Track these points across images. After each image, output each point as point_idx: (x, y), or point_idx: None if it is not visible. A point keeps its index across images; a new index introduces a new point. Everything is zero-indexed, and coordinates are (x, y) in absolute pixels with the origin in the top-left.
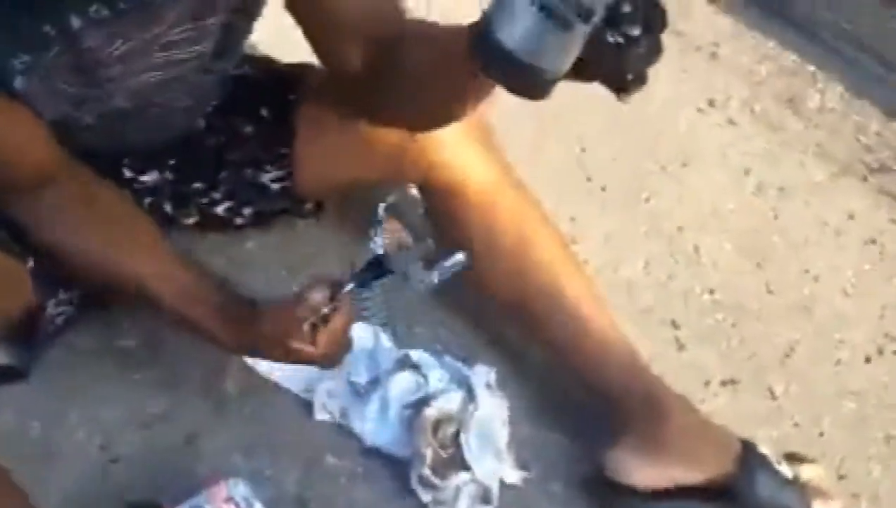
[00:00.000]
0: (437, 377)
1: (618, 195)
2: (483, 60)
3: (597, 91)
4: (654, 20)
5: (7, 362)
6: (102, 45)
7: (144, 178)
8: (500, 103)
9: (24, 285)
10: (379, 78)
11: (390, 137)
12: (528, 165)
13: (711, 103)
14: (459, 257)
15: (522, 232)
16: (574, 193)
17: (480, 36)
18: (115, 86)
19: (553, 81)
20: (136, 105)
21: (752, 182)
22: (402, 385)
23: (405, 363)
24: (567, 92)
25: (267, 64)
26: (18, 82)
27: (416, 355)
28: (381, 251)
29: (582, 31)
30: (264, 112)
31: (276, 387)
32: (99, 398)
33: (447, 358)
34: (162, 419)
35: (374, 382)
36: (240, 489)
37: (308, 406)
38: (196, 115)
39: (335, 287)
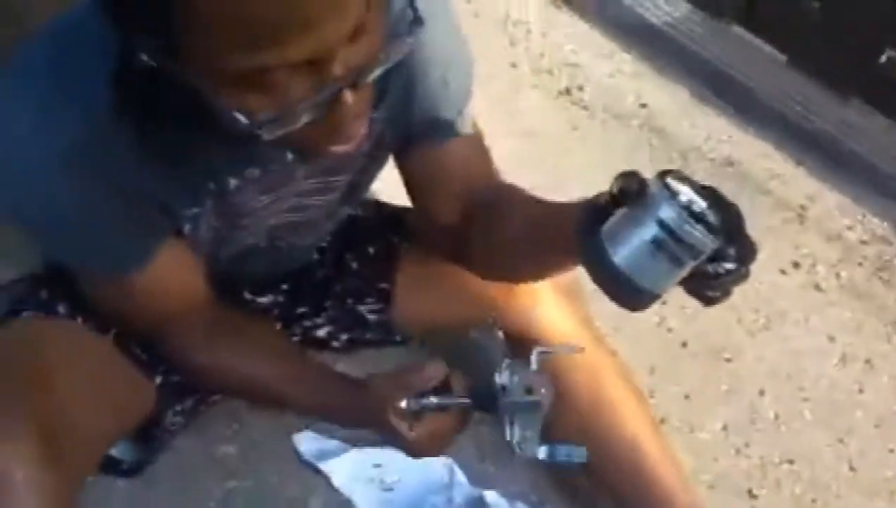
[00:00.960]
0: None
1: (698, 351)
2: (589, 266)
3: None
4: (748, 254)
5: (125, 458)
6: (248, 199)
7: (261, 299)
8: None
9: (149, 397)
10: (473, 236)
11: (488, 289)
12: (609, 315)
13: (796, 266)
14: (581, 451)
15: (599, 389)
16: (654, 345)
17: (592, 241)
18: (253, 229)
19: (653, 299)
20: (268, 246)
21: (837, 351)
22: None
23: (480, 504)
24: None
25: (375, 206)
26: (186, 229)
27: (491, 496)
28: (503, 387)
29: (689, 267)
30: (370, 250)
31: None
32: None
33: (520, 504)
34: None
35: None
36: None
37: None
38: (313, 249)
39: (448, 383)
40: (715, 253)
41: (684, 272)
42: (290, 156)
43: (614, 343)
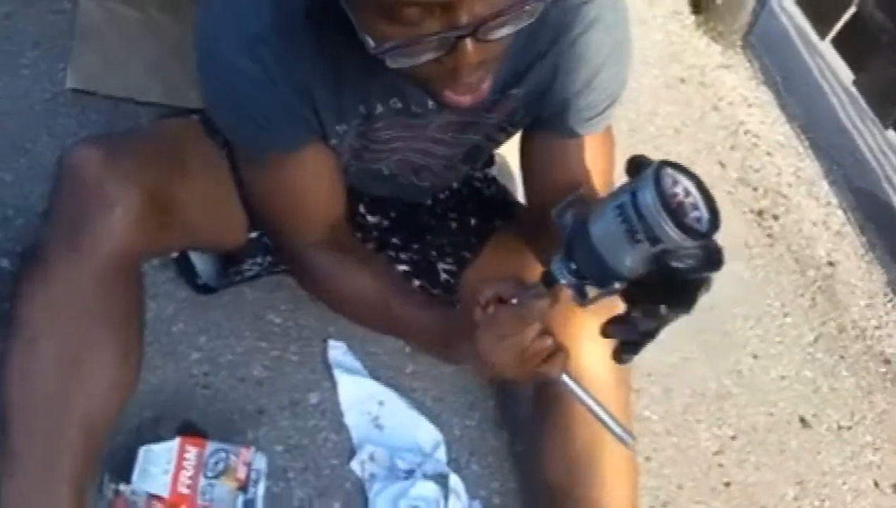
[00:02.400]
0: None
1: None
2: (569, 234)
3: None
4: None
5: (202, 275)
6: (387, 130)
7: (370, 218)
8: None
9: (242, 235)
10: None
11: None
12: None
13: None
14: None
15: (598, 455)
16: None
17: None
18: (382, 158)
19: (614, 277)
20: (391, 174)
21: None
22: (419, 496)
23: (441, 482)
24: None
25: (501, 191)
26: (332, 144)
27: (454, 480)
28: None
29: (646, 250)
30: (472, 220)
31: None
32: (230, 335)
33: (477, 504)
34: (258, 382)
35: (410, 474)
36: (260, 462)
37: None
38: (429, 194)
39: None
40: (681, 253)
41: (640, 253)
42: (430, 103)
43: None
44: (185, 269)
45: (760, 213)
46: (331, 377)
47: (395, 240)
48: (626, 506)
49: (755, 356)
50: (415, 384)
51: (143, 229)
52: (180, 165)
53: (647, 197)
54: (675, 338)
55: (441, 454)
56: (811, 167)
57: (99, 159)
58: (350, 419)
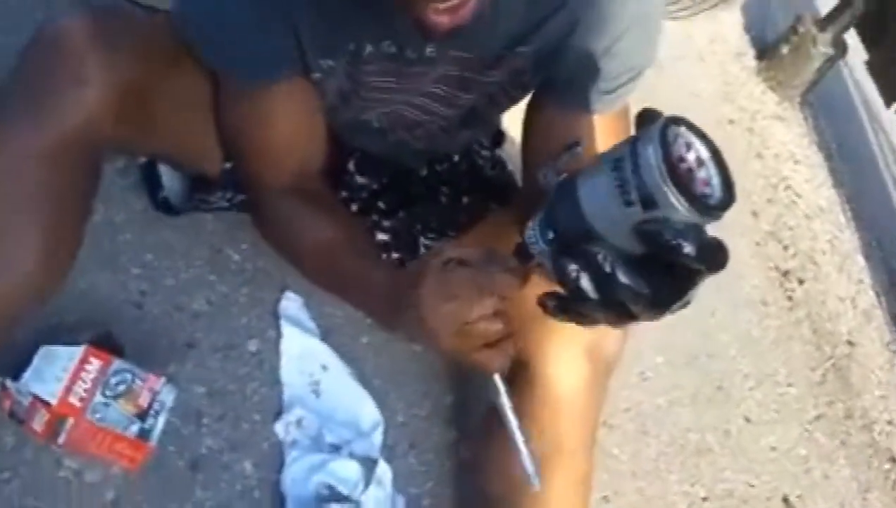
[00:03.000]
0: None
1: None
2: (554, 194)
3: None
4: (713, 256)
5: (169, 194)
6: (377, 74)
7: (359, 178)
8: None
9: (219, 162)
10: None
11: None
12: None
13: None
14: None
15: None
16: None
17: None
18: (373, 105)
19: (589, 230)
20: (381, 128)
21: None
22: (337, 474)
23: (368, 466)
24: None
25: (505, 175)
26: (316, 77)
27: (382, 469)
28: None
29: (636, 215)
30: (465, 199)
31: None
32: (179, 260)
33: (400, 498)
34: (195, 315)
35: (335, 450)
36: (167, 395)
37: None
38: (424, 160)
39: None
40: (677, 227)
41: (630, 219)
42: (428, 50)
43: None
44: (149, 178)
45: (786, 273)
46: (277, 329)
47: (381, 204)
48: None
49: (747, 419)
50: (368, 357)
51: (114, 117)
52: (173, 65)
53: (649, 151)
54: (666, 378)
55: (377, 437)
56: (850, 240)
57: (87, 30)
58: (287, 376)
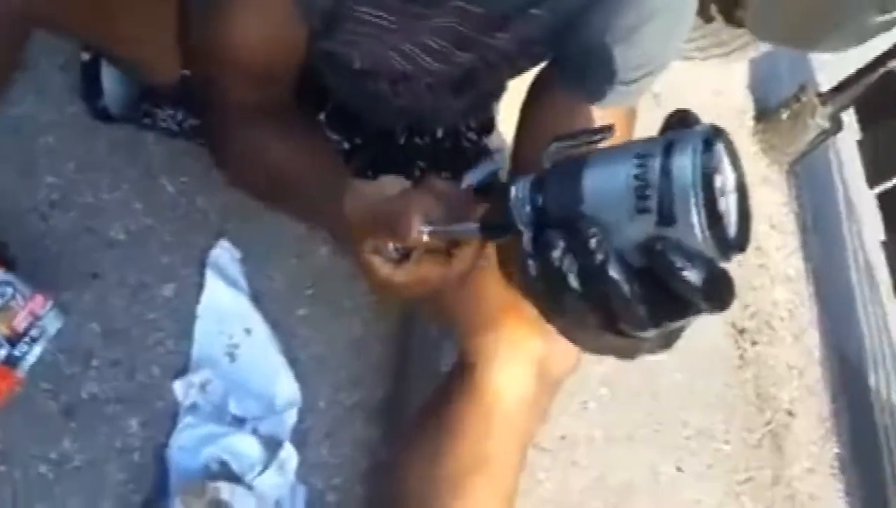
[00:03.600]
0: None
1: None
2: (555, 168)
3: None
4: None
5: (112, 94)
6: (369, 3)
7: (330, 133)
8: None
9: (174, 68)
10: None
11: (488, 298)
12: None
13: None
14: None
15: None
16: None
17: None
18: (358, 40)
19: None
20: (361, 70)
21: None
22: (234, 450)
23: (272, 446)
24: None
25: (490, 165)
26: None
27: (287, 451)
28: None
29: (646, 226)
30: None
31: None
32: (104, 177)
33: (302, 487)
34: (110, 243)
35: (238, 423)
36: (52, 323)
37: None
38: (404, 123)
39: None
40: (690, 256)
41: (638, 227)
42: None
43: None
44: (89, 78)
45: (742, 331)
46: (202, 279)
47: (351, 166)
48: None
49: (679, 468)
50: (300, 331)
51: None
52: None
53: (687, 159)
54: (606, 412)
55: (289, 418)
56: (808, 313)
57: None
58: (201, 332)
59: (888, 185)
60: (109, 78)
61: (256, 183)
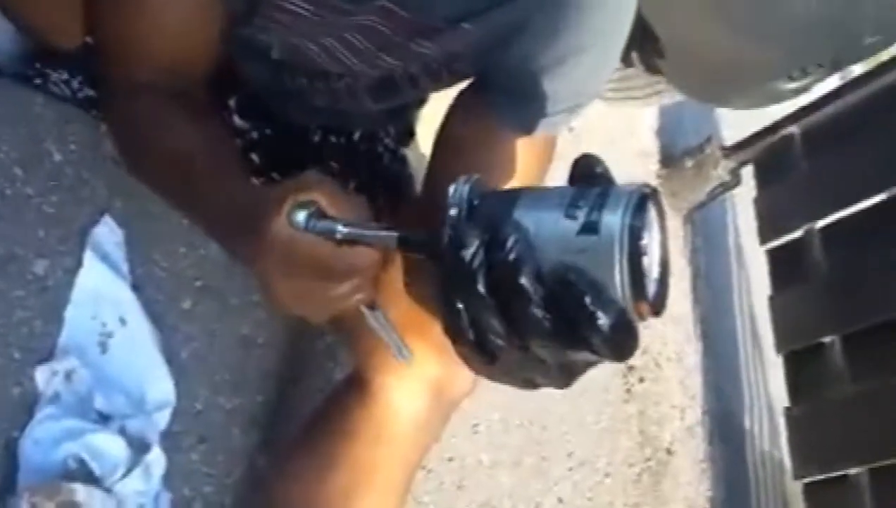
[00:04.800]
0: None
1: None
2: (483, 215)
3: None
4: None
5: (4, 49)
6: None
7: (238, 120)
8: None
9: (77, 32)
10: None
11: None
12: None
13: None
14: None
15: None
16: None
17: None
18: (275, 30)
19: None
20: (279, 62)
21: None
22: (96, 449)
23: (141, 449)
24: None
25: (404, 172)
26: None
27: (155, 454)
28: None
29: (571, 235)
30: (352, 184)
31: None
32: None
33: (166, 495)
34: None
35: (103, 420)
36: None
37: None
38: (316, 120)
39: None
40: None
41: (563, 229)
42: None
43: None
44: None
45: (631, 368)
46: (79, 258)
47: (254, 157)
48: None
49: (560, 500)
50: (182, 326)
51: None
52: None
53: (617, 216)
54: (496, 437)
55: (161, 419)
56: (693, 359)
57: None
58: (72, 316)
59: (778, 242)
60: (1, 28)
61: (156, 175)
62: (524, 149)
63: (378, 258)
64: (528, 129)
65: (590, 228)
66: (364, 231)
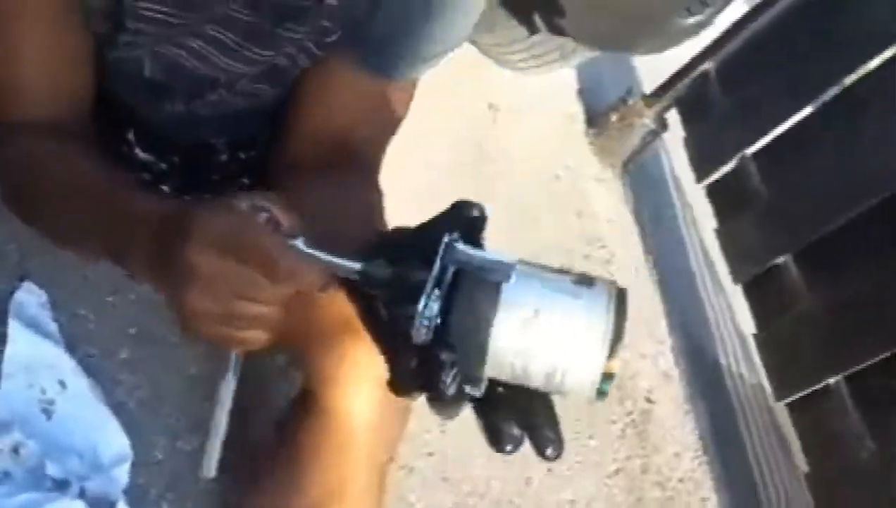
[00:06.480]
0: None
1: None
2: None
3: None
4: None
5: None
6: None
7: (141, 153)
8: None
9: None
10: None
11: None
12: None
13: None
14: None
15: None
16: None
17: None
18: (142, 44)
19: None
20: (156, 85)
21: None
22: None
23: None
24: None
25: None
26: None
27: None
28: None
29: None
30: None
31: None
32: None
33: None
34: None
35: (60, 487)
36: None
37: None
38: (219, 134)
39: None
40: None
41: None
42: None
43: None
44: None
45: None
46: (4, 328)
47: (166, 188)
48: None
49: (549, 470)
50: (124, 377)
51: None
52: None
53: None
54: (472, 424)
55: (121, 474)
56: (654, 304)
57: None
58: (9, 389)
59: (715, 176)
60: None
61: (50, 214)
62: (397, 93)
63: (321, 281)
64: (403, 76)
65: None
66: (326, 256)
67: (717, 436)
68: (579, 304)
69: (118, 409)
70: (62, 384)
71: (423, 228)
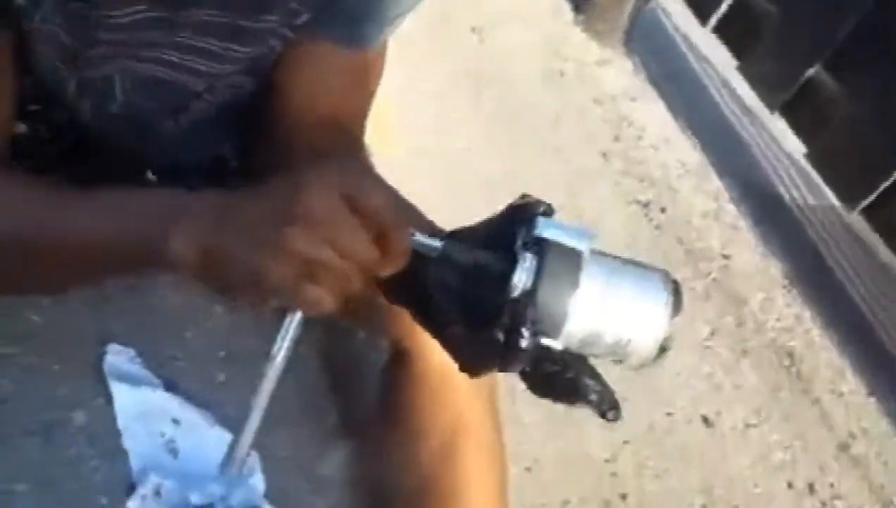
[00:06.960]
0: None
1: None
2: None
3: None
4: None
5: None
6: (115, 3)
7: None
8: None
9: None
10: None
11: None
12: None
13: None
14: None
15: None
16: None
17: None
18: (109, 55)
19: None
20: (125, 102)
21: None
22: None
23: None
24: None
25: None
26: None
27: None
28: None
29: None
30: None
31: None
32: None
33: None
34: None
35: None
36: None
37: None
38: (203, 151)
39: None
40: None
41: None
42: None
43: None
44: None
45: (647, 204)
46: (106, 392)
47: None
48: (494, 499)
49: None
50: (228, 398)
51: None
52: None
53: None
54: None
55: (258, 480)
56: (699, 162)
57: None
58: (132, 442)
59: (719, 14)
60: None
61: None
62: (363, 62)
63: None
64: (377, 42)
65: None
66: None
67: (801, 269)
68: (643, 273)
69: (231, 422)
70: (175, 421)
71: (492, 219)
